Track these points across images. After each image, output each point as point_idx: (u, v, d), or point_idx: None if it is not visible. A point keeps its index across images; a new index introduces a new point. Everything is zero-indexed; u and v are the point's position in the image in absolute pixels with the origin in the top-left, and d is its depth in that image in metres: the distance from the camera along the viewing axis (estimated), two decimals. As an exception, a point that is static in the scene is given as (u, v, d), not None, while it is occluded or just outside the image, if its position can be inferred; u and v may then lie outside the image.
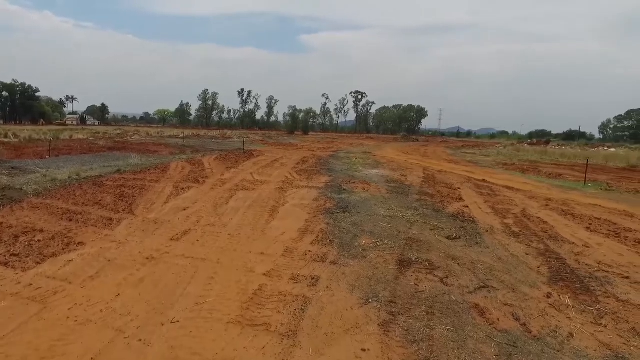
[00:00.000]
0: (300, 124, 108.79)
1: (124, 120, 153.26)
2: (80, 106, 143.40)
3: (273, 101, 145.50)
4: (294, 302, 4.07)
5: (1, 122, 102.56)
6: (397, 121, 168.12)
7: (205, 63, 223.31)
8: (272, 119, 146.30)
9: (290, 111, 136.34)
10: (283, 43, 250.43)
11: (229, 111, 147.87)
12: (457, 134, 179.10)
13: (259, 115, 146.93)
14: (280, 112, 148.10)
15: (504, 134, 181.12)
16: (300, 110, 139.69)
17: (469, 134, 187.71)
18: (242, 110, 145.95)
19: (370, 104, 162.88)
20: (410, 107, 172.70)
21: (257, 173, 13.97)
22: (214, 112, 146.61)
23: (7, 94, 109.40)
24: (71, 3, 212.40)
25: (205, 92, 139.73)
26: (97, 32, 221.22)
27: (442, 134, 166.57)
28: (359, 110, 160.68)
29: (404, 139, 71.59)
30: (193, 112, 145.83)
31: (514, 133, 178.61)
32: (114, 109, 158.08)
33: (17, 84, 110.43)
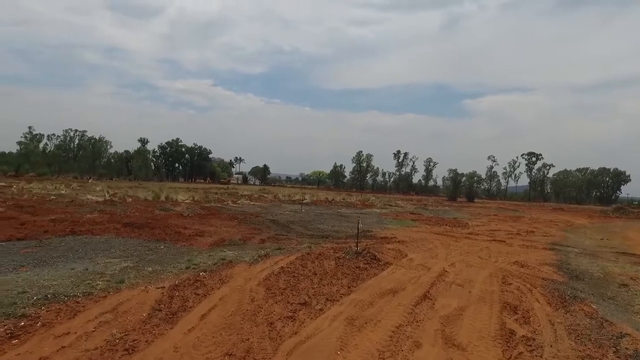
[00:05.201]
0: (462, 189, 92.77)
1: (282, 180, 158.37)
2: (246, 167, 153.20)
3: (431, 164, 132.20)
4: None
5: (182, 180, 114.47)
6: (584, 187, 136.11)
7: (366, 129, 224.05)
8: (430, 183, 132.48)
9: (451, 175, 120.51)
10: (444, 108, 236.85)
11: (384, 174, 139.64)
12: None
13: (416, 178, 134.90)
14: (440, 175, 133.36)
15: None
16: (462, 173, 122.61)
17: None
18: (397, 173, 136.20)
19: (548, 167, 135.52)
20: (604, 170, 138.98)
21: None
22: (368, 175, 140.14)
23: (188, 156, 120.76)
24: (266, 86, 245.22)
25: (359, 154, 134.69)
26: (282, 106, 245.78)
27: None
28: (533, 174, 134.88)
29: (619, 212, 50.12)
30: (347, 174, 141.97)
31: None
32: (277, 170, 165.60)
33: (196, 147, 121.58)
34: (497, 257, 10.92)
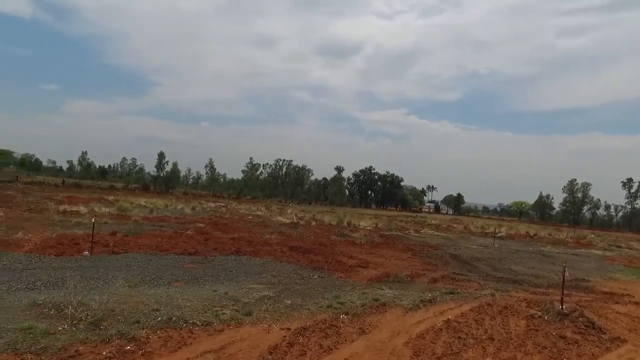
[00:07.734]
0: None
1: (478, 210, 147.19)
2: (439, 195, 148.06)
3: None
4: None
5: (374, 206, 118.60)
6: None
7: (582, 153, 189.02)
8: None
9: None
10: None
11: (608, 207, 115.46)
12: None
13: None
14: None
15: None
16: None
17: None
18: (628, 206, 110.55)
19: None
20: None
21: None
22: (585, 207, 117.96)
23: (380, 183, 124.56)
24: (462, 112, 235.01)
25: (572, 182, 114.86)
26: (479, 132, 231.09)
27: None
28: None
29: None
30: (556, 205, 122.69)
31: None
32: (472, 199, 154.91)
33: (388, 175, 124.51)
34: None
